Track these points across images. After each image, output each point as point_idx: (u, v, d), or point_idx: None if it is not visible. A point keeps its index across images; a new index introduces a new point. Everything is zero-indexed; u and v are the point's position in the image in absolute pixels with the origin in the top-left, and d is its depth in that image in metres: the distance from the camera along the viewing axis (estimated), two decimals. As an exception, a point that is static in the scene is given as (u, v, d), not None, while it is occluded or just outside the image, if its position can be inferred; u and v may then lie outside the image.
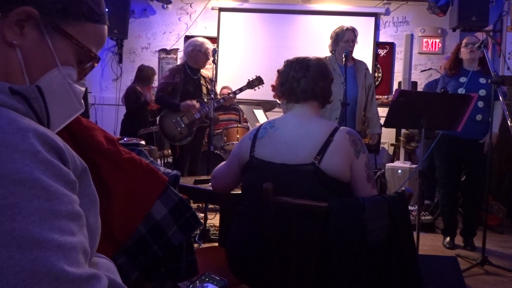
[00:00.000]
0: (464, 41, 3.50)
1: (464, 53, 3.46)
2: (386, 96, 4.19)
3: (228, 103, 4.00)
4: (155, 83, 5.22)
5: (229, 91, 4.64)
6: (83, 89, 0.77)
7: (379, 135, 3.59)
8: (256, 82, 3.96)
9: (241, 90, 3.99)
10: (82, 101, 0.76)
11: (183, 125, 3.86)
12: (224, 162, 1.80)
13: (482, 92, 3.34)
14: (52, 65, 0.69)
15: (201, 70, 4.01)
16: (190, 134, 3.88)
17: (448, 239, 3.61)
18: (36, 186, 0.54)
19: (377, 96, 3.83)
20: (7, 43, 0.65)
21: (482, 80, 3.37)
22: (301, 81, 1.63)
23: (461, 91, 3.34)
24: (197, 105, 3.81)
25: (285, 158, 1.52)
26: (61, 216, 0.55)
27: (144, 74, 4.89)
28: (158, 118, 3.99)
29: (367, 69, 3.50)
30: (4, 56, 0.66)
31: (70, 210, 0.57)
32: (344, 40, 3.32)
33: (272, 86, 1.75)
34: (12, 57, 0.66)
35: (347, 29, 3.35)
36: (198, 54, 3.86)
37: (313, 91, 1.63)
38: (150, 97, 4.71)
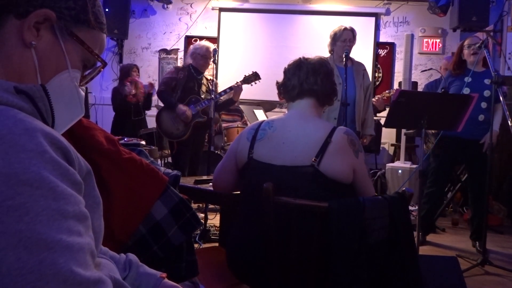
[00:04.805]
0: (466, 42, 3.49)
1: (467, 55, 3.45)
2: (388, 91, 4.17)
3: (237, 96, 3.99)
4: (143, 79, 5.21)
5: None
6: (83, 94, 0.78)
7: (372, 136, 3.57)
8: (252, 78, 3.96)
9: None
10: (83, 105, 0.78)
11: (180, 121, 3.88)
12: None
13: (487, 93, 3.32)
14: (63, 68, 0.71)
15: (205, 73, 4.06)
16: (187, 130, 3.90)
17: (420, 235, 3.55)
18: (43, 186, 0.53)
19: (377, 96, 3.83)
20: (24, 44, 0.67)
21: (487, 81, 3.36)
22: (292, 79, 1.65)
23: (465, 91, 3.33)
24: (189, 113, 3.84)
25: (284, 160, 1.52)
26: (68, 217, 0.55)
27: (123, 71, 4.91)
28: (155, 115, 4.01)
29: (365, 70, 3.50)
30: (19, 57, 0.67)
31: (77, 211, 0.57)
32: (341, 39, 3.32)
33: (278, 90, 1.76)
34: (27, 58, 0.68)
35: (345, 28, 3.35)
36: (197, 56, 3.94)
37: (302, 86, 1.63)
38: (128, 88, 4.70)
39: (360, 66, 3.47)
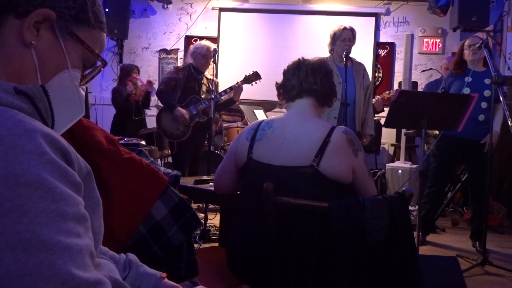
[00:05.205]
0: (467, 42, 3.49)
1: (467, 55, 3.45)
2: (387, 92, 4.15)
3: (237, 96, 3.99)
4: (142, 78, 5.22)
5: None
6: (83, 93, 0.78)
7: (371, 136, 3.58)
8: (253, 77, 3.95)
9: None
10: (84, 105, 0.77)
11: (179, 122, 3.89)
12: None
13: (487, 93, 3.32)
14: (63, 67, 0.71)
15: (206, 73, 4.06)
16: (187, 130, 3.90)
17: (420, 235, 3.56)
18: (43, 188, 0.53)
19: (377, 97, 3.83)
20: (24, 44, 0.67)
21: (487, 81, 3.36)
22: (292, 79, 1.66)
23: (466, 90, 3.33)
24: (187, 118, 3.84)
25: (283, 160, 1.52)
26: (67, 218, 0.55)
27: (124, 71, 4.91)
28: (156, 115, 4.01)
29: (365, 70, 3.51)
30: (20, 57, 0.67)
31: (76, 212, 0.56)
32: (341, 39, 3.33)
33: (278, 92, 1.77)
34: (27, 58, 0.67)
35: (345, 28, 3.36)
36: (198, 56, 3.94)
37: (301, 86, 1.64)
38: (130, 87, 4.71)
39: (360, 66, 3.47)
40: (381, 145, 5.85)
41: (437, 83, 4.41)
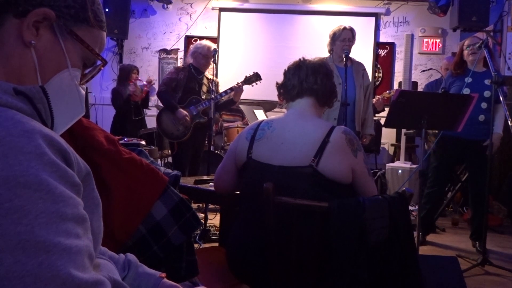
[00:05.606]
0: (466, 43, 3.49)
1: (466, 55, 3.45)
2: (388, 91, 4.14)
3: (238, 97, 3.99)
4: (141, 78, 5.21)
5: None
6: (84, 93, 0.78)
7: (371, 136, 3.58)
8: (253, 78, 3.96)
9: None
10: (84, 104, 0.77)
11: (180, 122, 3.89)
12: None
13: (487, 94, 3.32)
14: (63, 67, 0.71)
15: (206, 73, 4.06)
16: (187, 131, 3.90)
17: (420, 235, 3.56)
18: (42, 189, 0.53)
19: (377, 96, 3.82)
20: (24, 44, 0.67)
21: (487, 82, 3.36)
22: (292, 79, 1.67)
23: (466, 91, 3.33)
24: (189, 119, 3.85)
25: (283, 160, 1.52)
26: (67, 219, 0.55)
27: (123, 72, 4.91)
28: (156, 115, 4.01)
29: (365, 69, 3.51)
30: (19, 56, 0.67)
31: (75, 213, 0.57)
32: (340, 39, 3.33)
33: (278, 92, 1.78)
34: (27, 58, 0.67)
35: (344, 28, 3.36)
36: (198, 56, 3.94)
37: (302, 85, 1.64)
38: (132, 88, 4.71)
39: (360, 66, 3.47)
40: (381, 145, 5.85)
41: (437, 83, 4.40)
